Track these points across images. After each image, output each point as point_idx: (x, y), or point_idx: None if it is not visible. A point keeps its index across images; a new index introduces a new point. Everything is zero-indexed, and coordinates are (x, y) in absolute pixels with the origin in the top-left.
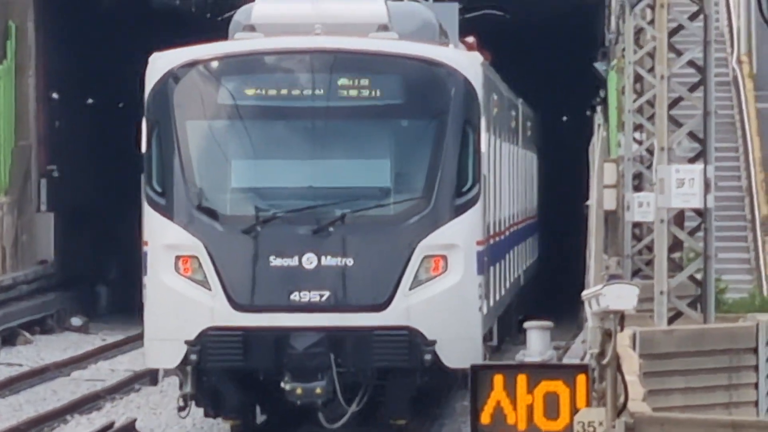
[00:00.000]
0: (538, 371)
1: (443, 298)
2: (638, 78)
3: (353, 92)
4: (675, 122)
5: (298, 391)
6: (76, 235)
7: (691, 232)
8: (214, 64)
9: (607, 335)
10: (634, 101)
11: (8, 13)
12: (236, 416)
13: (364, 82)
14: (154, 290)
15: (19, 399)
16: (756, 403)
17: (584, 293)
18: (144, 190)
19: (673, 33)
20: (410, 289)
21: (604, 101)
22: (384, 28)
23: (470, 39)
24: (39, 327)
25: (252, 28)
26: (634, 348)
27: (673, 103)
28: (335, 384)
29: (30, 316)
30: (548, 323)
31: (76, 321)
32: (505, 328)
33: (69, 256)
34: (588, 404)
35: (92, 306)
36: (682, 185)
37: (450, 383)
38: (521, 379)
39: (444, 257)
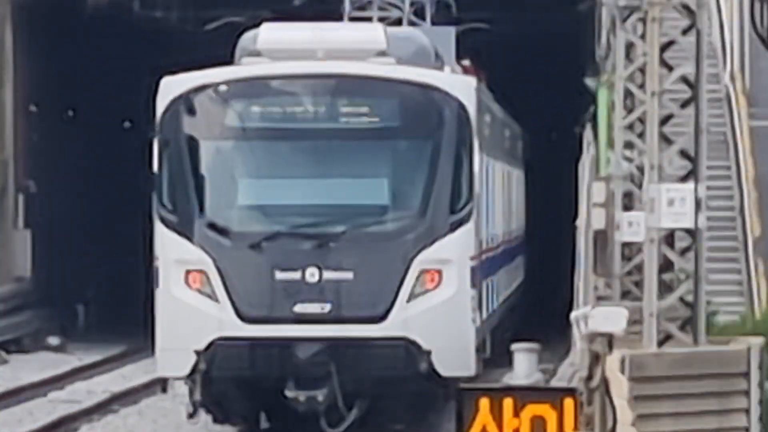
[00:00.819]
0: (525, 394)
1: (438, 310)
2: (628, 94)
3: (353, 115)
4: (666, 140)
5: (301, 398)
6: (53, 252)
7: (682, 253)
8: (223, 87)
9: (596, 358)
10: (624, 118)
11: None
12: (242, 422)
13: (364, 105)
14: (164, 302)
15: None
16: (747, 430)
17: (572, 315)
18: (155, 207)
19: (664, 48)
20: (407, 301)
21: (594, 118)
22: (382, 53)
23: (466, 61)
24: (15, 346)
25: (258, 53)
26: (622, 371)
27: (664, 120)
28: (336, 392)
29: (6, 334)
30: (535, 345)
31: (53, 340)
32: (497, 342)
33: (46, 274)
34: (576, 428)
35: (70, 325)
36: (672, 204)
37: (446, 391)
38: (507, 403)
39: (439, 271)
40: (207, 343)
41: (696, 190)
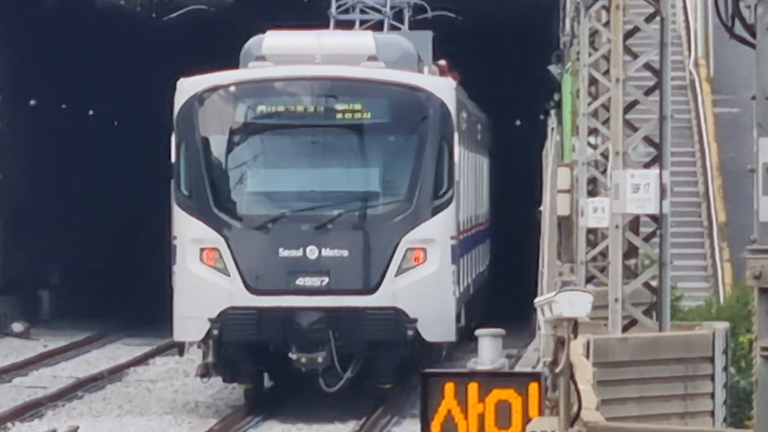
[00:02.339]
0: (490, 379)
1: (423, 283)
2: (593, 81)
3: (348, 112)
4: (630, 126)
5: (303, 360)
6: (17, 239)
7: (647, 239)
8: (232, 88)
9: (560, 343)
10: (589, 105)
11: None
12: (249, 382)
13: (357, 104)
14: (181, 276)
15: None
16: (712, 413)
17: (537, 300)
18: (173, 193)
19: (628, 35)
20: (396, 275)
21: (558, 105)
22: (373, 58)
23: (442, 62)
24: None
25: (263, 58)
26: (587, 356)
27: (629, 107)
28: (333, 354)
29: None
30: (500, 331)
31: (17, 326)
32: (470, 314)
33: (10, 260)
34: (540, 413)
35: (34, 311)
36: (637, 190)
37: (428, 354)
38: (472, 387)
39: (424, 249)
40: (219, 312)
41: (660, 176)
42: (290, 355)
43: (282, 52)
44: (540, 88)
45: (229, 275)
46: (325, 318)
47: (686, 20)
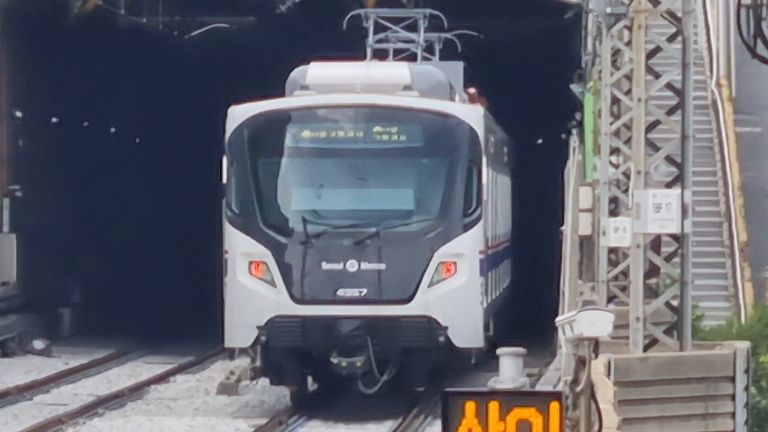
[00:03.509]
0: (511, 398)
1: (454, 293)
2: (615, 100)
3: (385, 137)
4: (652, 146)
5: (343, 364)
6: (39, 256)
7: (668, 258)
8: (280, 115)
9: (582, 362)
10: (611, 124)
11: None
12: (294, 384)
13: (393, 129)
14: (232, 287)
15: None
16: None
17: (558, 319)
18: (224, 211)
19: (650, 55)
20: (429, 287)
21: (580, 124)
22: (408, 87)
23: (472, 90)
24: (0, 350)
25: (307, 87)
26: (608, 375)
27: (651, 127)
28: (371, 359)
29: None
30: (521, 349)
31: (38, 344)
32: (497, 325)
33: (31, 278)
34: None
35: (55, 329)
36: (659, 210)
37: (459, 360)
38: (493, 406)
39: (454, 263)
40: (266, 320)
41: (682, 195)
42: (332, 359)
43: (325, 82)
44: (562, 107)
45: (275, 286)
46: (364, 325)
47: (708, 40)
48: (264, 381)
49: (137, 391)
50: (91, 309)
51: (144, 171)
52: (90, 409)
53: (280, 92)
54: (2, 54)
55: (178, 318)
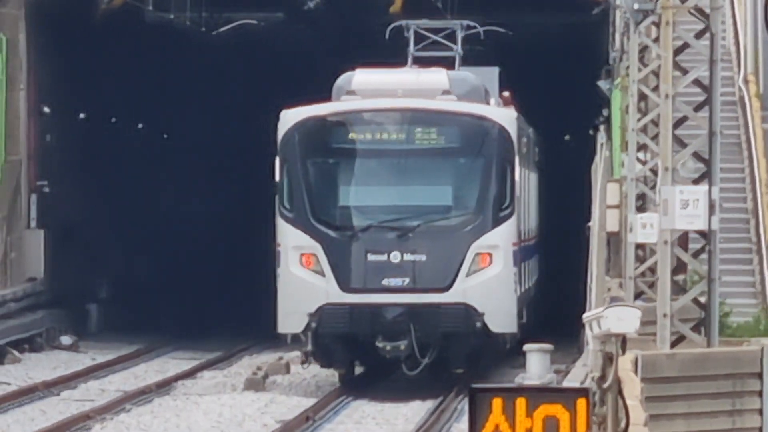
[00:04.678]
0: (538, 395)
1: (489, 282)
2: (642, 97)
3: (425, 138)
4: (680, 142)
5: (388, 348)
6: (66, 252)
7: (695, 254)
8: (328, 118)
9: (609, 359)
10: (638, 120)
11: None
12: (342, 367)
13: (433, 131)
14: (284, 277)
15: (6, 419)
16: (760, 429)
17: (585, 315)
18: (278, 207)
19: (678, 51)
20: (466, 276)
21: (608, 120)
22: (446, 92)
23: (506, 93)
24: (28, 345)
25: (353, 92)
26: (636, 372)
27: (678, 123)
28: (414, 343)
29: (19, 334)
30: (548, 346)
31: (65, 339)
32: (530, 313)
33: (59, 274)
34: (588, 428)
35: (82, 324)
36: (686, 206)
37: (494, 344)
38: (520, 403)
39: (490, 254)
40: (316, 307)
41: (710, 192)
42: (377, 344)
43: (369, 87)
44: (589, 103)
45: (324, 276)
46: (407, 312)
47: (736, 36)
48: (290, 377)
49: (164, 386)
50: (118, 305)
51: (171, 167)
52: (117, 405)
53: (311, 89)
54: (30, 50)
55: (206, 313)
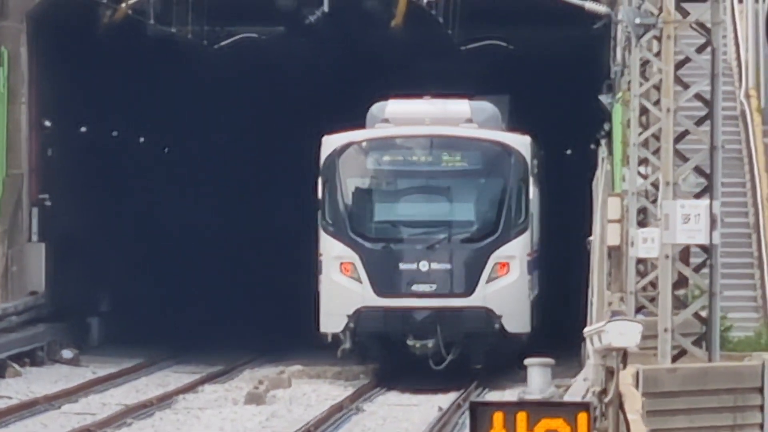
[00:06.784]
0: (539, 409)
1: (507, 288)
2: (644, 111)
3: (451, 161)
4: (681, 156)
5: (417, 346)
6: (67, 265)
7: (697, 269)
8: (365, 143)
9: (610, 373)
10: (640, 134)
11: (1, 38)
12: (377, 362)
13: (458, 155)
14: (325, 283)
15: None
16: None
17: (586, 330)
18: (320, 221)
19: (679, 65)
20: (486, 283)
21: (609, 134)
22: (468, 120)
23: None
24: (29, 359)
25: (386, 120)
26: (637, 386)
27: (679, 137)
28: (440, 342)
29: (20, 347)
30: (549, 360)
31: (66, 353)
32: (539, 317)
33: (60, 287)
34: None
35: (83, 338)
36: (687, 221)
37: (510, 343)
38: (521, 417)
39: (507, 263)
40: (354, 310)
41: (711, 206)
42: (407, 342)
43: (400, 116)
44: (590, 117)
45: (361, 282)
46: (434, 315)
47: (737, 51)
48: (291, 391)
49: (165, 400)
50: (119, 318)
51: (172, 180)
52: (118, 419)
53: (315, 103)
54: (31, 63)
55: (207, 327)
